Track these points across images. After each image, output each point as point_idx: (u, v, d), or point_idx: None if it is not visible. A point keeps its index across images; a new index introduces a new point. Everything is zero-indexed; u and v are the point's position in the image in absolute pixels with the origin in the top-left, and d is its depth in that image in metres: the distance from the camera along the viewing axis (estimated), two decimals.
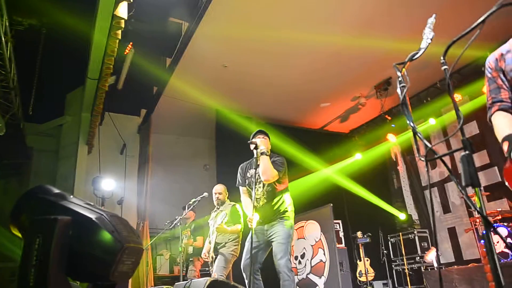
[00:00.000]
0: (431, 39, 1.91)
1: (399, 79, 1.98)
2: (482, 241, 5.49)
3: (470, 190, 1.60)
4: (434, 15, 1.94)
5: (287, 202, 3.69)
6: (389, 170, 9.22)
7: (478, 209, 1.47)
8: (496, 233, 1.48)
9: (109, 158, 7.57)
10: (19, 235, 1.48)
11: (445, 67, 1.79)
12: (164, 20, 5.69)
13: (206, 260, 4.84)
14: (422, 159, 1.74)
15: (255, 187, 3.62)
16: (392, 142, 8.37)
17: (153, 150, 7.64)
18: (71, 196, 1.52)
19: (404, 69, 2.02)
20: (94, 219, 1.35)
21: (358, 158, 8.86)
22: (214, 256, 4.70)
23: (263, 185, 3.65)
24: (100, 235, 1.31)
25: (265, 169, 3.48)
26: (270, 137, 3.84)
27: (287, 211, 3.63)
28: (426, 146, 1.72)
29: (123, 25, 4.34)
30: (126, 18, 4.24)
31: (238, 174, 3.87)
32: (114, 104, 6.95)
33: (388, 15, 5.81)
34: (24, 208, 1.48)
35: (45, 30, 6.04)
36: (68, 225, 1.32)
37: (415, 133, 1.82)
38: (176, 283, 2.98)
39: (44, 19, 5.93)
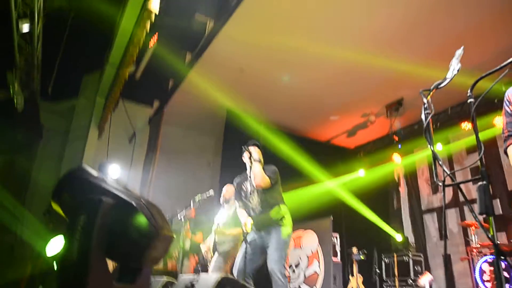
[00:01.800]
0: (457, 71, 2.02)
1: (425, 105, 2.09)
2: (476, 269, 5.56)
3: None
4: (462, 47, 2.04)
5: (282, 210, 3.78)
6: (390, 190, 9.31)
7: (490, 236, 1.57)
8: (507, 261, 1.57)
9: (118, 145, 7.66)
10: (61, 212, 1.58)
11: (471, 100, 1.90)
12: (190, 16, 5.81)
13: (205, 257, 4.92)
14: (440, 183, 1.85)
15: (250, 196, 3.81)
16: (397, 163, 8.47)
17: (161, 142, 7.75)
18: (109, 179, 1.62)
19: (429, 96, 2.13)
20: (134, 204, 1.45)
21: (361, 175, 8.95)
22: (212, 254, 4.79)
23: (257, 194, 3.77)
24: (138, 219, 1.41)
25: (256, 175, 3.66)
26: (257, 145, 3.99)
27: (283, 217, 3.72)
28: (444, 171, 1.83)
29: (153, 18, 4.46)
30: (157, 12, 4.35)
31: (236, 190, 4.08)
32: (129, 92, 7.04)
33: (408, 36, 5.91)
34: (66, 187, 1.58)
35: (73, 14, 6.16)
36: (111, 207, 1.42)
37: (435, 159, 1.93)
38: (181, 276, 3.06)
39: (73, 2, 6.07)
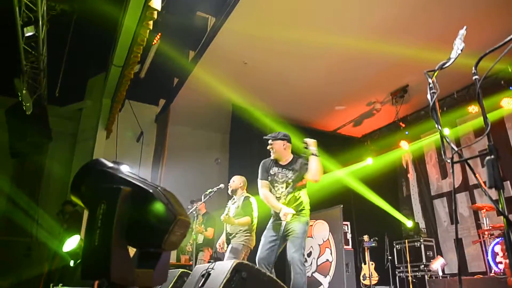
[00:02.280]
0: (461, 50, 2.04)
1: (430, 85, 2.11)
2: (489, 252, 5.57)
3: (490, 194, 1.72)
4: (465, 27, 2.06)
5: (304, 200, 3.80)
6: (399, 177, 9.32)
7: (500, 209, 1.59)
8: None
9: (126, 145, 7.76)
10: (80, 203, 1.63)
11: (476, 77, 1.92)
12: (192, 14, 5.85)
13: (219, 251, 4.98)
14: (448, 161, 1.88)
15: (276, 185, 3.79)
16: (404, 150, 8.47)
17: (169, 140, 7.82)
18: (125, 169, 1.67)
19: (434, 77, 2.15)
20: (151, 191, 1.50)
21: (369, 163, 8.96)
22: (226, 246, 4.85)
23: (286, 185, 3.76)
24: (156, 206, 1.46)
25: (318, 171, 3.64)
26: (279, 138, 3.93)
27: (304, 209, 3.75)
28: (452, 149, 1.86)
29: (155, 16, 4.50)
30: (159, 9, 4.39)
31: (260, 168, 3.95)
32: (134, 92, 7.12)
33: (409, 22, 5.90)
34: (84, 179, 1.63)
35: (75, 16, 6.22)
36: (128, 195, 1.47)
37: (442, 137, 1.96)
38: (196, 266, 3.13)
39: (75, 5, 6.12)
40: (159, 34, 5.72)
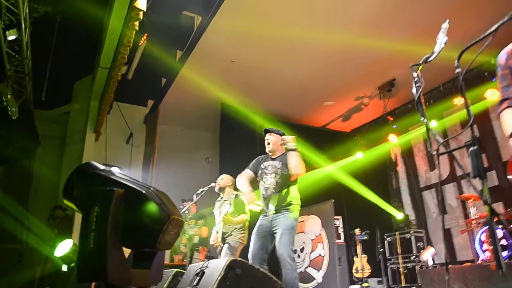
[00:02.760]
0: (444, 44, 2.09)
1: (415, 79, 2.16)
2: (476, 240, 5.69)
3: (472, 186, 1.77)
4: (447, 21, 2.11)
5: (293, 195, 3.82)
6: (388, 170, 9.43)
7: (484, 198, 1.64)
8: (500, 221, 1.66)
9: (115, 147, 7.73)
10: (74, 207, 1.65)
11: (459, 69, 1.97)
12: (178, 13, 5.84)
13: (214, 247, 5.02)
14: (434, 153, 1.93)
15: (265, 177, 3.84)
16: (393, 143, 8.58)
17: (158, 140, 7.81)
18: (117, 171, 1.68)
19: (419, 70, 2.20)
20: (144, 192, 1.52)
21: (359, 157, 9.06)
22: (222, 245, 4.88)
23: (275, 175, 3.81)
24: (149, 206, 1.48)
25: (297, 164, 3.67)
26: (278, 133, 4.02)
27: (292, 203, 3.76)
28: (437, 141, 1.92)
29: (141, 17, 4.49)
30: (145, 10, 4.38)
31: (253, 161, 4.09)
32: (122, 93, 7.09)
33: (393, 16, 5.99)
34: (76, 183, 1.64)
35: (59, 18, 6.17)
36: (122, 196, 1.48)
37: (428, 129, 2.01)
38: (190, 265, 3.15)
39: (59, 7, 6.07)
40: (146, 34, 5.70)
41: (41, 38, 6.35)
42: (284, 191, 3.80)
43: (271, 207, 3.70)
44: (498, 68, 2.24)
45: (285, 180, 3.80)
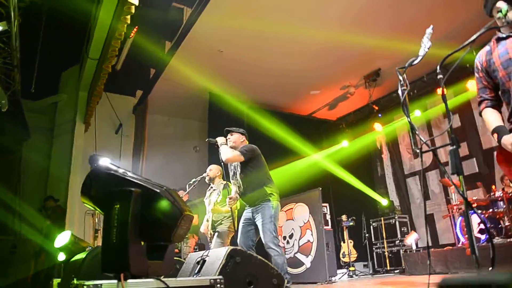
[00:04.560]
0: (428, 48, 2.29)
1: (401, 82, 2.37)
2: (457, 225, 6.04)
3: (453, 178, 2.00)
4: (431, 26, 2.31)
5: (267, 186, 4.05)
6: (373, 158, 9.73)
7: (461, 192, 1.87)
8: (475, 212, 1.89)
9: (105, 137, 7.80)
10: (92, 205, 1.81)
11: (440, 76, 2.18)
12: (168, 5, 5.89)
13: (205, 235, 5.22)
14: (418, 151, 2.15)
15: (235, 176, 4.19)
16: (378, 132, 8.86)
17: (148, 130, 7.90)
18: (129, 172, 1.85)
19: (404, 74, 2.40)
20: (159, 191, 1.69)
21: (345, 145, 9.32)
22: (212, 233, 5.08)
23: (239, 173, 4.12)
24: (164, 204, 1.66)
25: (222, 152, 4.03)
26: (239, 132, 4.32)
27: (267, 194, 4.00)
28: (421, 140, 2.12)
29: (133, 11, 4.56)
30: (137, 4, 4.45)
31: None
32: (111, 83, 7.12)
33: (374, 13, 6.24)
34: (93, 182, 1.80)
35: (46, 8, 6.15)
36: (139, 196, 1.65)
37: (412, 129, 2.22)
38: (190, 254, 3.33)
39: None
40: (136, 27, 5.76)
41: (29, 28, 6.33)
42: (255, 185, 4.03)
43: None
44: (475, 70, 2.46)
45: (254, 178, 4.06)
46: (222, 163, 4.29)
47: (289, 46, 7.02)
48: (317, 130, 9.95)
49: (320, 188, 6.89)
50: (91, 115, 7.32)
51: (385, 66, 7.74)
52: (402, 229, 7.67)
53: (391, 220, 7.82)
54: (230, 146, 4.18)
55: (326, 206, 7.25)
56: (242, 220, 4.14)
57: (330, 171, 8.98)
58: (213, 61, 7.22)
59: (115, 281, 1.50)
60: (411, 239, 6.98)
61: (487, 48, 2.40)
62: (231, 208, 4.38)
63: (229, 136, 4.28)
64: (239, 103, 8.22)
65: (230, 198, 4.20)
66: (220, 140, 4.20)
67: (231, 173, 4.33)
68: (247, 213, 4.12)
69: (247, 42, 6.82)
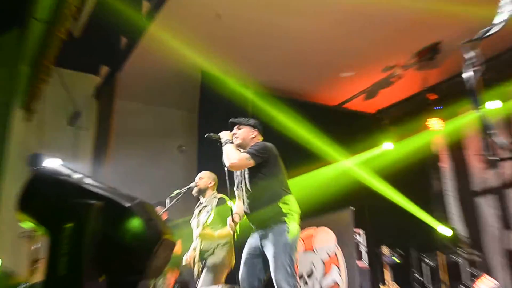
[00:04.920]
0: (510, 14, 2.24)
1: (469, 61, 2.30)
2: None
3: None
4: None
5: (283, 202, 3.96)
6: (428, 167, 9.63)
7: None
8: None
9: (54, 130, 7.82)
10: (32, 222, 1.78)
11: None
12: None
13: (190, 268, 5.19)
14: (494, 158, 2.11)
15: (241, 184, 4.15)
16: (435, 130, 8.75)
17: (115, 121, 7.91)
18: (88, 178, 1.83)
19: (475, 50, 2.32)
20: (128, 206, 1.66)
21: (388, 149, 9.25)
22: (200, 266, 5.05)
23: (246, 183, 4.07)
24: (136, 224, 1.63)
25: (225, 154, 3.96)
26: (249, 124, 4.29)
27: (282, 212, 3.90)
28: (499, 144, 2.08)
29: None
30: None
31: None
32: (66, 56, 7.12)
33: None
34: (36, 192, 1.78)
35: None
36: (101, 211, 1.63)
37: (486, 127, 2.17)
38: None
39: None
40: None
41: None
42: (267, 198, 3.98)
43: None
44: None
45: (266, 187, 4.01)
46: (226, 170, 4.19)
47: (314, 14, 6.98)
48: (348, 127, 9.88)
49: (353, 208, 6.85)
50: (36, 99, 7.34)
51: (447, 38, 7.64)
52: (470, 270, 7.57)
53: (453, 257, 7.72)
54: (237, 145, 4.13)
55: (360, 233, 7.21)
56: (246, 250, 4.05)
57: (367, 184, 8.92)
58: (208, 29, 7.22)
59: None
60: (484, 287, 6.88)
61: None
62: (233, 231, 4.30)
63: (235, 130, 4.22)
64: (241, 87, 8.20)
65: (235, 214, 4.15)
66: (225, 136, 4.12)
67: (236, 181, 4.26)
68: (253, 239, 4.04)
69: (254, 5, 6.79)
